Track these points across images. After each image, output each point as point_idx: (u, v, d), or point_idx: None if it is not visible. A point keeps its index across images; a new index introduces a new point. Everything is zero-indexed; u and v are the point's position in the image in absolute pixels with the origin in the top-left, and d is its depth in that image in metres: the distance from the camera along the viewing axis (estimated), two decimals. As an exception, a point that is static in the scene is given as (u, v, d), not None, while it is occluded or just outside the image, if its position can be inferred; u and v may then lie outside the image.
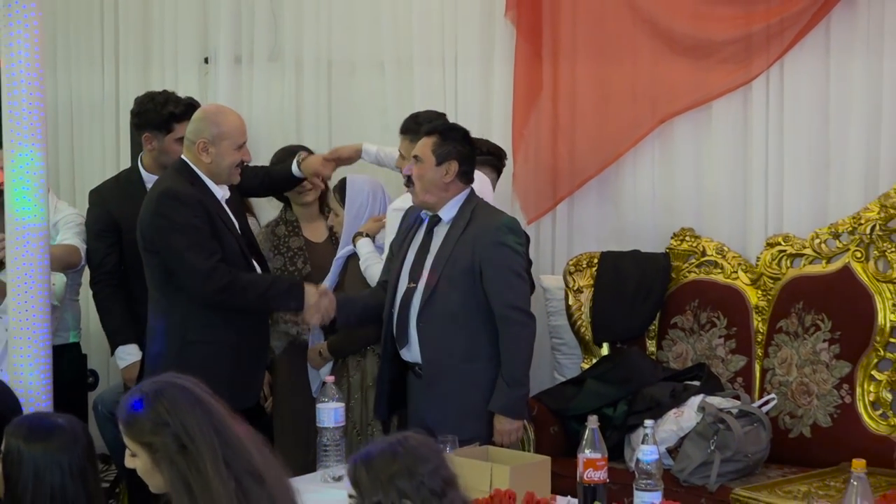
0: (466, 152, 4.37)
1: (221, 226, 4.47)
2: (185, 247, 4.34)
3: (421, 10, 6.03)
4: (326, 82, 6.48)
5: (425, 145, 4.36)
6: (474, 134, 4.70)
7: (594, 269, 5.42)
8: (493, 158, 5.18)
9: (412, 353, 4.35)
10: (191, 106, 5.16)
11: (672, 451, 4.35)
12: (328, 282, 5.16)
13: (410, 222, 4.58)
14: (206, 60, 6.80)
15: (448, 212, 4.41)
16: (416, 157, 4.34)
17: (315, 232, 5.41)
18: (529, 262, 4.92)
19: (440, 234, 4.44)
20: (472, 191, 4.50)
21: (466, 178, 4.40)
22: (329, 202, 5.54)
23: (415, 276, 4.35)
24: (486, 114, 5.83)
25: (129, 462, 2.78)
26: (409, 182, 4.44)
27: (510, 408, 4.30)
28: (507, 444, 4.17)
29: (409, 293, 4.38)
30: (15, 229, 4.20)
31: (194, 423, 2.67)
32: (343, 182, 5.33)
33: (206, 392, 2.80)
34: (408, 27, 6.13)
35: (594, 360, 5.25)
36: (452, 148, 4.33)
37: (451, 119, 5.30)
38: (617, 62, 5.45)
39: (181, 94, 5.90)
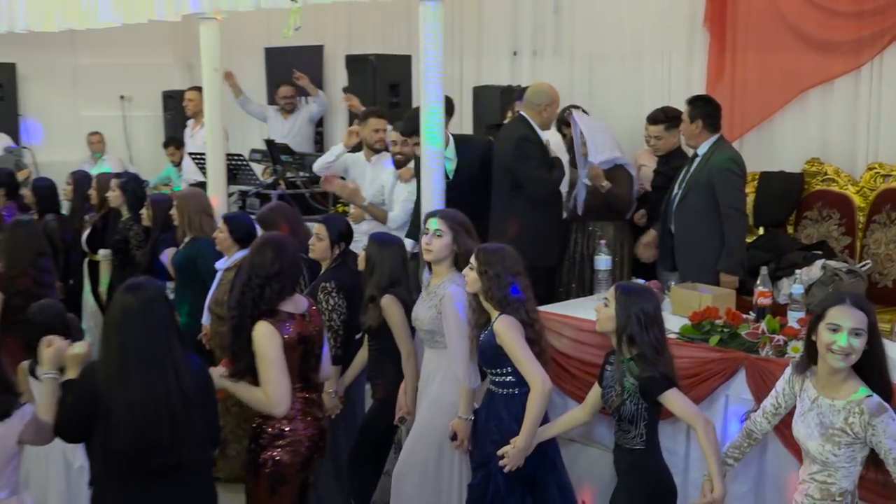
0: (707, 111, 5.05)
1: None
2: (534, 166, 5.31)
3: (654, 17, 6.79)
4: (588, 72, 7.17)
5: (685, 113, 5.13)
6: (679, 108, 5.46)
7: (756, 181, 6.10)
8: (676, 121, 5.59)
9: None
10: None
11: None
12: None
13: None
14: (515, 53, 7.63)
15: (701, 149, 5.11)
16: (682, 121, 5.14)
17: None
18: None
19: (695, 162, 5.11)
20: (720, 136, 5.08)
21: (712, 128, 5.05)
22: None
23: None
24: (689, 91, 6.06)
25: None
26: None
27: (729, 268, 4.90)
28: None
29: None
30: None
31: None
32: None
33: None
34: (640, 27, 6.85)
35: (755, 237, 5.89)
36: (697, 111, 5.07)
37: (667, 94, 6.39)
38: (771, 55, 6.08)
39: (497, 80, 7.13)
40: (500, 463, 3.49)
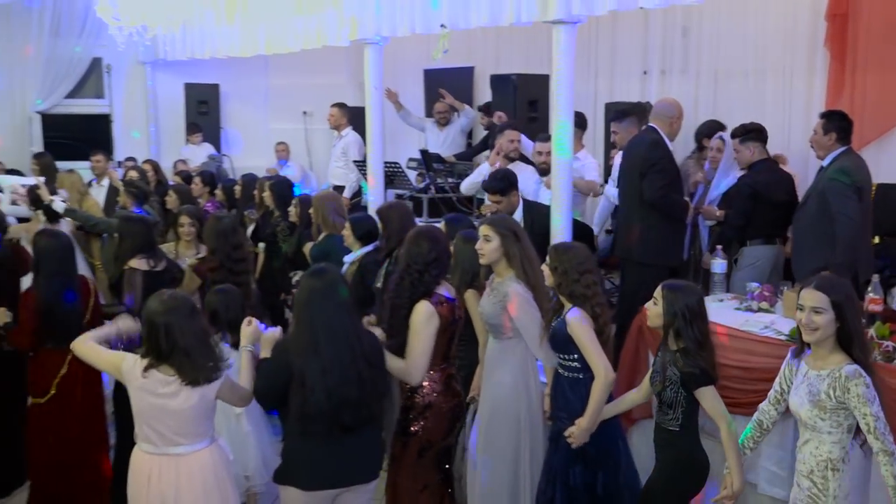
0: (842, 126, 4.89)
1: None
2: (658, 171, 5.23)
3: (776, 37, 6.65)
4: (713, 88, 7.04)
5: (818, 125, 4.98)
6: (799, 124, 5.62)
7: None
8: (762, 133, 5.54)
9: None
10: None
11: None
12: None
13: None
14: (645, 72, 7.55)
15: (826, 160, 4.98)
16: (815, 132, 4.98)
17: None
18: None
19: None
20: (847, 148, 4.94)
21: (842, 141, 4.91)
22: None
23: None
24: (809, 107, 6.23)
25: None
26: None
27: (836, 270, 4.35)
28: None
29: None
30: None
31: None
32: None
33: None
34: (763, 46, 6.67)
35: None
36: (833, 125, 4.93)
37: (788, 110, 6.27)
38: (890, 73, 5.90)
39: (627, 97, 6.98)
40: (568, 441, 3.58)
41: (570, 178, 5.31)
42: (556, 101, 5.18)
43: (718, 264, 5.13)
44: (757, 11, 6.65)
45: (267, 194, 6.48)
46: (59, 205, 6.20)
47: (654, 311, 3.35)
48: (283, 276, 6.10)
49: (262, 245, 6.58)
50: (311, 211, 5.85)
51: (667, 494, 3.38)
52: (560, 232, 5.26)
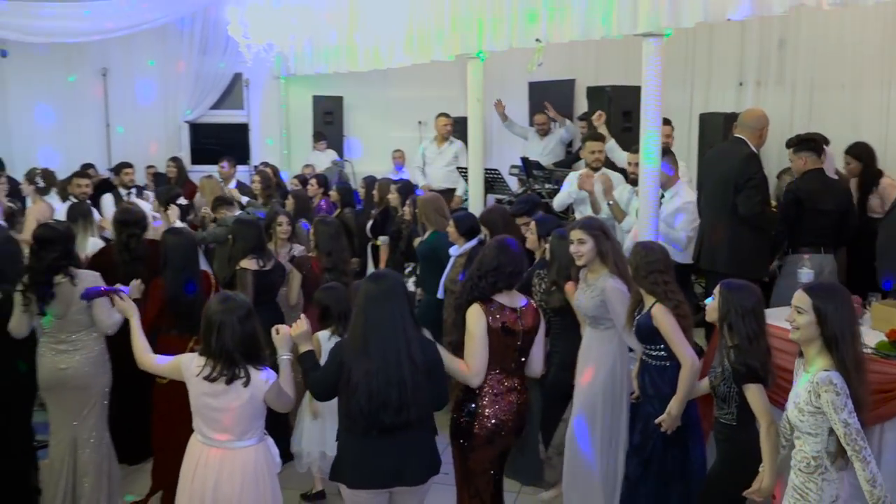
0: None
1: None
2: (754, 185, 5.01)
3: (874, 48, 6.28)
4: (808, 100, 6.65)
5: None
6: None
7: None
8: (815, 144, 5.31)
9: None
10: None
11: None
12: None
13: None
14: (741, 83, 7.22)
15: None
16: None
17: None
18: None
19: None
20: None
21: None
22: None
23: None
24: None
25: None
26: None
27: None
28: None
29: None
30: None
31: None
32: None
33: None
34: (860, 58, 6.31)
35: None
36: None
37: (885, 121, 5.77)
38: None
39: (722, 108, 6.69)
40: (662, 428, 3.63)
41: (657, 187, 5.13)
42: (644, 111, 5.04)
43: (805, 273, 4.79)
44: (854, 23, 6.25)
45: (394, 196, 6.67)
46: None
47: (711, 305, 3.34)
48: (400, 267, 6.29)
49: (383, 238, 6.81)
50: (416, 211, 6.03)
51: (722, 487, 3.34)
52: (648, 234, 5.04)
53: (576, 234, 3.96)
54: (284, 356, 3.40)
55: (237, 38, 7.77)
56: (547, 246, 4.49)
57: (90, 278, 4.33)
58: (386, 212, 6.91)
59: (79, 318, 4.27)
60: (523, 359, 3.63)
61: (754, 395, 3.18)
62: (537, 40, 5.76)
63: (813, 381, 2.80)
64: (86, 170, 8.04)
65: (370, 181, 7.55)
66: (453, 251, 5.25)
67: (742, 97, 7.09)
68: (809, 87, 6.62)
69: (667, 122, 5.93)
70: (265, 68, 10.64)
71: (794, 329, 2.89)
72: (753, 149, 5.14)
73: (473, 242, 5.12)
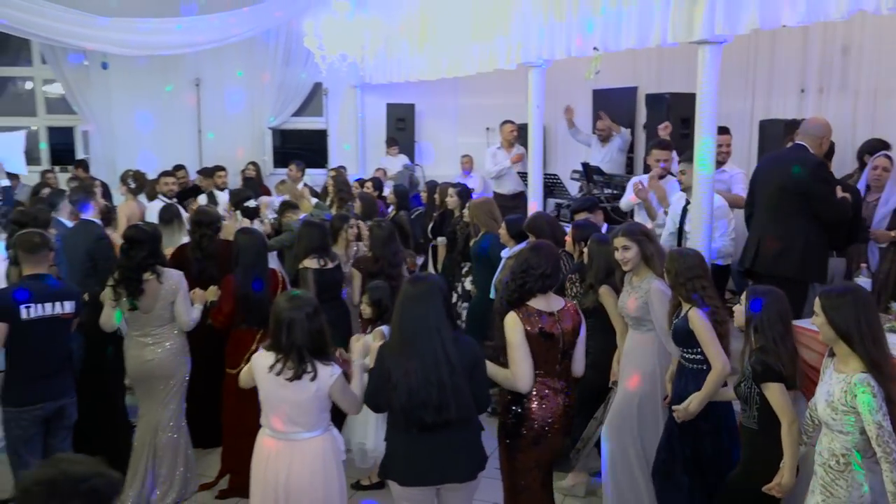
0: None
1: None
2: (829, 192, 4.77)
3: None
4: (872, 107, 6.21)
5: None
6: None
7: None
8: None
9: None
10: None
11: None
12: None
13: None
14: (802, 90, 6.83)
15: None
16: None
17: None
18: None
19: None
20: None
21: None
22: None
23: None
24: None
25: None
26: None
27: None
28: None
29: None
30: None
31: None
32: None
33: None
34: None
35: None
36: None
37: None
38: None
39: (783, 115, 6.39)
40: (676, 416, 3.60)
41: (711, 194, 4.95)
42: (699, 118, 4.85)
43: (862, 282, 4.46)
44: (920, 28, 5.79)
45: (452, 199, 6.68)
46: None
47: (738, 310, 3.29)
48: (457, 266, 6.31)
49: (441, 239, 6.83)
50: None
51: (742, 491, 3.23)
52: (701, 245, 4.88)
53: (619, 241, 3.90)
54: (359, 362, 3.43)
55: (312, 49, 7.89)
56: (585, 249, 4.42)
57: (175, 276, 4.44)
58: (444, 214, 6.93)
59: (163, 313, 4.40)
60: (567, 361, 3.54)
61: (774, 393, 3.09)
62: (595, 49, 5.64)
63: (850, 382, 2.73)
64: (176, 171, 8.24)
65: (432, 185, 7.59)
66: (504, 253, 5.23)
67: (804, 104, 6.71)
68: (873, 93, 6.19)
69: (724, 130, 5.71)
70: (343, 78, 10.74)
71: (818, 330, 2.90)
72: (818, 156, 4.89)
73: (523, 245, 4.96)
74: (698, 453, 3.64)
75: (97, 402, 4.62)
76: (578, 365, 3.61)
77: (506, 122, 8.74)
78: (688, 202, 5.16)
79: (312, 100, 11.61)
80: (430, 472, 3.14)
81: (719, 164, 5.63)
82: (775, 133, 6.35)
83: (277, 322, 3.19)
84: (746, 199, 5.27)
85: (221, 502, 4.64)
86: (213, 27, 9.36)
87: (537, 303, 3.44)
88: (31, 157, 11.21)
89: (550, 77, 6.57)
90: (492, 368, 3.40)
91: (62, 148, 11.43)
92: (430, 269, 7.24)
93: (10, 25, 7.93)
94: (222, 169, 8.75)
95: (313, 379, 3.19)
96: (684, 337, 3.61)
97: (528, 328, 3.37)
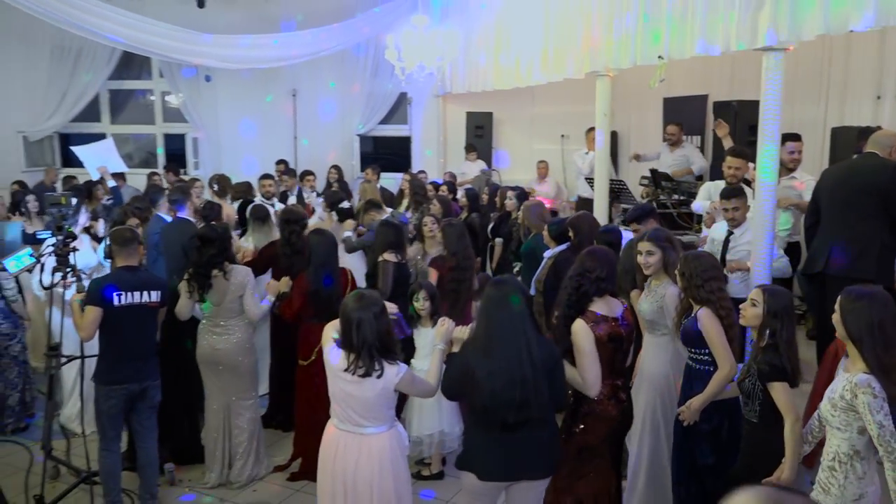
0: None
1: None
2: None
3: None
4: None
5: None
6: None
7: None
8: None
9: None
10: None
11: None
12: None
13: None
14: (878, 97, 6.42)
15: None
16: None
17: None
18: None
19: None
20: None
21: None
22: None
23: None
24: None
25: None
26: None
27: None
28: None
29: None
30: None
31: None
32: None
33: None
34: None
35: None
36: None
37: None
38: None
39: (858, 122, 5.94)
40: (681, 418, 3.44)
41: (773, 202, 4.72)
42: (762, 126, 4.58)
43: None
44: None
45: (511, 202, 6.63)
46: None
47: (752, 311, 3.12)
48: (509, 265, 6.31)
49: (498, 240, 6.79)
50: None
51: (741, 483, 2.90)
52: (763, 252, 4.65)
53: (644, 246, 3.82)
54: (440, 345, 3.31)
55: (392, 61, 7.89)
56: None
57: (242, 273, 4.51)
58: (503, 216, 6.87)
59: (232, 306, 4.48)
60: (625, 358, 3.49)
61: (779, 392, 2.98)
62: (659, 57, 5.40)
63: (852, 381, 2.64)
64: (278, 164, 8.85)
65: (493, 189, 7.51)
66: (546, 254, 5.20)
67: (879, 111, 6.24)
68: (954, 99, 5.66)
69: (795, 137, 5.34)
70: (426, 88, 10.74)
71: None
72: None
73: (563, 247, 5.02)
74: (702, 455, 3.50)
75: (176, 382, 4.74)
76: (627, 358, 3.59)
77: (591, 128, 8.49)
78: (730, 233, 4.93)
79: (398, 108, 11.65)
80: (507, 468, 3.06)
81: (789, 170, 5.28)
82: (847, 140, 5.94)
83: (347, 322, 3.14)
84: (809, 206, 4.99)
85: (292, 484, 4.68)
86: (305, 42, 9.55)
87: (599, 307, 3.34)
88: (149, 162, 11.86)
89: (622, 85, 6.34)
90: (569, 370, 3.31)
91: (176, 153, 11.93)
92: (487, 268, 7.16)
93: (125, 43, 8.32)
94: (311, 173, 8.92)
95: (380, 377, 3.12)
96: (693, 337, 3.48)
97: (598, 333, 3.28)
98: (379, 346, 3.10)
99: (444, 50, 7.67)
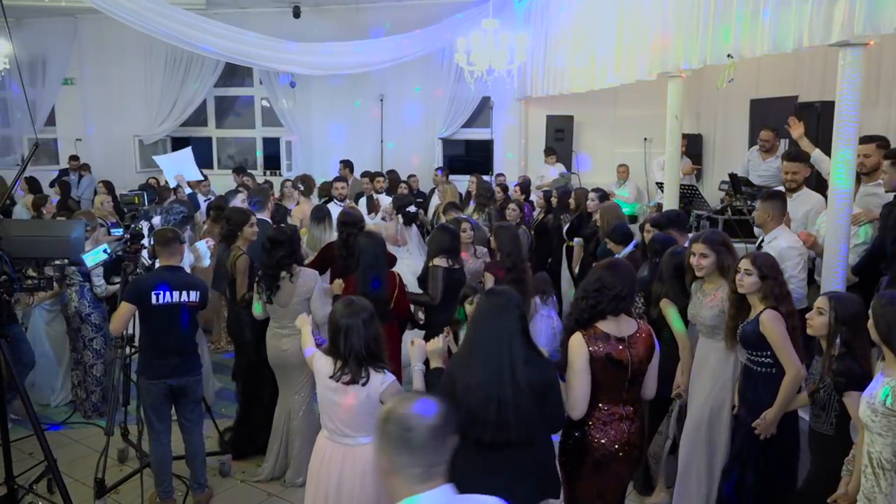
0: None
1: None
2: None
3: None
4: None
5: None
6: None
7: None
8: None
9: None
10: None
11: None
12: None
13: None
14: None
15: None
16: None
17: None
18: None
19: None
20: None
21: None
22: None
23: None
24: None
25: None
26: None
27: None
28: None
29: None
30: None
31: None
32: None
33: None
34: None
35: None
36: None
37: None
38: None
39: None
40: (758, 432, 3.28)
41: (848, 210, 4.17)
42: (837, 127, 4.13)
43: None
44: None
45: (594, 203, 6.47)
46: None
47: (819, 320, 2.97)
48: (588, 265, 5.99)
49: (577, 240, 6.62)
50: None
51: (815, 498, 2.93)
52: (837, 261, 4.18)
53: (698, 248, 3.67)
54: (417, 367, 3.09)
55: (462, 64, 7.75)
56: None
57: (310, 275, 4.47)
58: (581, 216, 6.66)
59: (298, 308, 4.39)
60: (636, 387, 3.02)
61: (856, 403, 2.77)
62: (728, 56, 4.94)
63: (892, 386, 2.53)
64: (344, 167, 8.80)
65: (562, 191, 7.27)
66: (618, 256, 5.00)
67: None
68: None
69: (876, 139, 4.73)
70: (508, 92, 10.53)
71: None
72: None
73: (629, 248, 4.95)
74: (765, 457, 3.34)
75: (251, 381, 4.77)
76: (650, 390, 3.11)
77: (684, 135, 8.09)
78: (761, 240, 4.44)
79: (481, 112, 11.47)
80: (492, 491, 2.77)
81: (866, 175, 4.69)
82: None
83: (335, 328, 3.01)
84: (873, 245, 4.46)
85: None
86: (387, 48, 9.56)
87: (607, 325, 2.95)
88: (249, 164, 12.29)
89: (708, 86, 5.90)
90: (563, 386, 2.95)
91: (272, 156, 12.30)
92: (565, 269, 6.91)
93: (215, 52, 8.60)
94: (381, 175, 8.90)
95: (365, 384, 2.98)
96: (754, 340, 3.31)
97: (594, 352, 2.91)
98: (365, 353, 2.97)
99: (514, 53, 7.44)
